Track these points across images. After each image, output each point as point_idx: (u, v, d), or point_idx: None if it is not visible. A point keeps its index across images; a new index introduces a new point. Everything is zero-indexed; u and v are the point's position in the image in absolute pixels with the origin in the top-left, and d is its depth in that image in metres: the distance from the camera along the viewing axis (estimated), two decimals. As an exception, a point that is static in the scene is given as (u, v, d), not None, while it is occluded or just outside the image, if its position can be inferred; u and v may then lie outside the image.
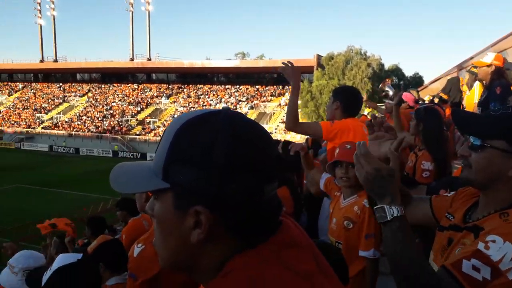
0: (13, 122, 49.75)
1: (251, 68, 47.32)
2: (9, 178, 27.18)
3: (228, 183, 0.59)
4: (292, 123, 2.67)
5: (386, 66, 40.46)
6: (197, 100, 48.64)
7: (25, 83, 61.22)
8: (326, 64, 38.32)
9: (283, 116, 29.88)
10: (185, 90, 51.41)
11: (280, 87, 45.94)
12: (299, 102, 37.90)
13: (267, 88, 47.54)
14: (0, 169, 30.64)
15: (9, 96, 57.89)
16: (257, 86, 48.34)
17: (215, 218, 0.59)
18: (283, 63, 2.65)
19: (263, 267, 0.59)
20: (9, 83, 61.96)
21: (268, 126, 40.97)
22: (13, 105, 54.67)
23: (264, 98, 46.44)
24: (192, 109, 46.18)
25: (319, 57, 40.47)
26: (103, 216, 5.60)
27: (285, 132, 37.53)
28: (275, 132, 38.96)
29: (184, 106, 47.24)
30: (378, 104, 7.63)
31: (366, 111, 9.34)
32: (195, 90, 50.73)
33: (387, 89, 4.71)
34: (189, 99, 49.00)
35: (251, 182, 0.60)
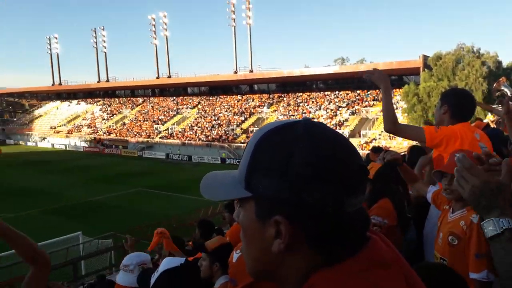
0: (135, 133, 56.01)
1: (351, 73, 46.64)
2: (133, 182, 30.79)
3: (307, 194, 0.59)
4: (390, 124, 2.48)
5: (505, 64, 36.44)
6: (296, 108, 49.40)
7: (145, 98, 68.68)
8: (434, 65, 35.96)
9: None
10: (285, 99, 52.60)
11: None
12: (405, 106, 36.26)
13: (369, 92, 46.17)
14: (126, 174, 34.95)
15: (131, 109, 65.44)
16: (358, 91, 47.31)
17: (295, 229, 0.60)
18: (367, 71, 2.65)
19: (347, 284, 0.58)
20: (131, 98, 70.14)
21: (371, 132, 39.82)
22: (135, 118, 61.60)
23: (366, 103, 45.21)
24: (292, 117, 47.01)
25: (425, 57, 38.16)
26: (212, 220, 5.96)
27: (390, 138, 36.13)
28: (379, 138, 37.71)
29: (284, 115, 48.36)
30: (494, 106, 6.91)
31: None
32: (295, 98, 51.57)
33: (503, 88, 4.01)
34: (289, 107, 50.00)
35: (331, 193, 0.59)
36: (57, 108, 77.29)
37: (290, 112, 48.69)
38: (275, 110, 50.65)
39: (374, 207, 2.88)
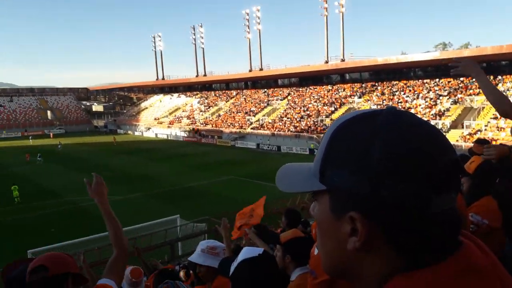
0: (229, 124, 58.37)
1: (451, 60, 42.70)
2: (227, 171, 32.26)
3: (387, 190, 0.54)
4: (505, 105, 2.20)
5: None
6: (391, 97, 46.96)
7: (238, 90, 71.11)
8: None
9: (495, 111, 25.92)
10: (378, 87, 50.32)
11: (491, 77, 39.55)
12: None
13: (473, 79, 41.91)
14: (220, 163, 36.75)
15: (226, 102, 68.27)
16: (461, 79, 43.31)
17: (372, 227, 0.56)
18: (454, 59, 2.45)
19: None
20: (226, 91, 73.15)
21: (476, 123, 36.28)
22: (229, 110, 64.16)
23: (471, 91, 41.20)
24: (386, 106, 44.89)
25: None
26: (299, 210, 5.92)
27: (498, 130, 32.61)
28: (485, 130, 34.22)
29: (377, 104, 46.31)
30: None
31: None
32: (389, 87, 49.04)
33: None
34: (383, 97, 47.75)
35: (414, 190, 0.53)
36: (160, 101, 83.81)
37: (384, 101, 46.50)
38: (367, 100, 48.79)
39: (474, 205, 2.63)
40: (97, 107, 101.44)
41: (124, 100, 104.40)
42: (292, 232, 2.52)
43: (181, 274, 5.80)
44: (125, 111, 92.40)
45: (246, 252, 1.82)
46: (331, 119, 47.84)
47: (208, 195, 24.45)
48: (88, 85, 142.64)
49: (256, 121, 55.92)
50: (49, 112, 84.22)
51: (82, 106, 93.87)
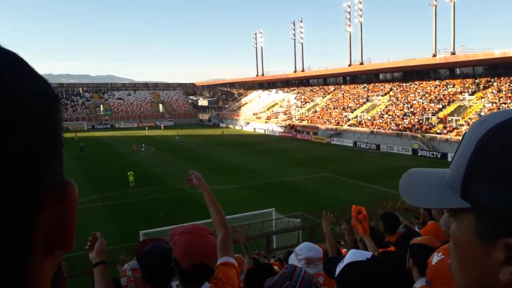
0: (325, 120, 57.91)
1: None
2: (321, 167, 32.26)
3: None
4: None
5: None
6: (510, 94, 42.09)
7: (336, 86, 70.00)
8: None
9: None
10: (494, 84, 45.39)
11: None
12: None
13: None
14: (315, 159, 36.83)
15: (323, 97, 67.72)
16: None
17: None
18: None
19: None
20: (323, 86, 72.50)
21: None
22: (326, 105, 63.54)
23: None
24: (503, 106, 40.48)
25: None
26: (398, 214, 5.55)
27: None
28: None
29: (493, 102, 41.92)
30: None
31: None
32: (508, 83, 43.96)
33: None
34: (499, 94, 42.99)
35: None
36: (259, 97, 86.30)
37: (501, 99, 41.89)
38: (481, 97, 44.38)
39: None
40: (202, 102, 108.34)
41: (226, 95, 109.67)
42: (424, 238, 2.49)
43: (275, 267, 6.09)
44: (227, 106, 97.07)
45: (353, 255, 1.74)
46: (438, 118, 44.64)
47: (302, 191, 24.81)
48: (195, 81, 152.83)
49: (354, 117, 54.57)
50: (160, 105, 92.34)
51: (190, 101, 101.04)
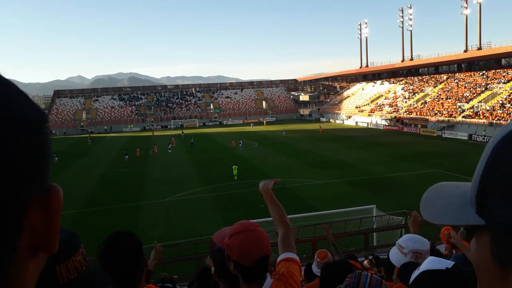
0: (436, 112, 53.64)
1: None
2: (431, 163, 30.01)
3: None
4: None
5: None
6: None
7: (449, 74, 64.22)
8: None
9: None
10: None
11: None
12: None
13: None
14: (423, 154, 34.39)
15: (434, 87, 62.71)
16: None
17: None
18: None
19: None
20: (435, 76, 67.05)
21: None
22: (437, 96, 58.75)
23: None
24: None
25: None
26: None
27: None
28: None
29: None
30: None
31: None
32: None
33: None
34: None
35: None
36: (363, 89, 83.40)
37: None
38: None
39: None
40: (303, 97, 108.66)
41: (328, 89, 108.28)
42: None
43: (365, 262, 5.96)
44: (328, 100, 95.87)
45: (430, 263, 1.60)
46: None
47: (408, 188, 23.48)
48: (297, 77, 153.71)
49: (470, 108, 49.56)
50: (264, 102, 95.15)
51: (291, 96, 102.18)
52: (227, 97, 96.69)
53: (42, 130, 0.40)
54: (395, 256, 2.62)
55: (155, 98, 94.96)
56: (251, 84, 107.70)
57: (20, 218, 0.38)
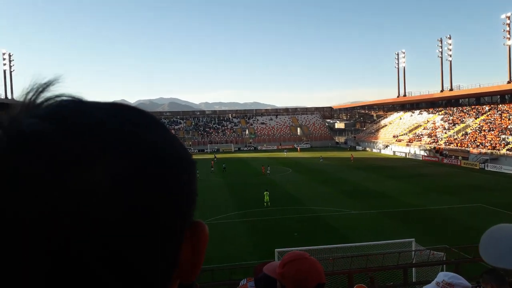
0: (478, 144, 51.62)
1: None
2: (472, 197, 28.65)
3: None
4: None
5: None
6: None
7: (491, 105, 62.03)
8: None
9: None
10: None
11: None
12: None
13: None
14: (465, 187, 32.90)
15: (475, 118, 60.61)
16: None
17: None
18: None
19: None
20: (476, 107, 64.95)
21: None
22: (479, 127, 56.67)
23: None
24: None
25: None
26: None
27: None
28: None
29: None
30: None
31: None
32: None
33: None
34: None
35: None
36: (400, 118, 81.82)
37: None
38: None
39: None
40: (339, 125, 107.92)
41: (364, 117, 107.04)
42: None
43: None
44: (364, 128, 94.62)
45: None
46: None
47: (448, 222, 22.45)
48: (333, 104, 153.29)
49: (516, 141, 47.34)
50: (298, 129, 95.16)
51: (326, 124, 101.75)
52: (262, 123, 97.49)
53: (195, 170, 0.43)
54: None
55: (193, 123, 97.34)
56: (286, 110, 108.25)
57: (179, 249, 0.40)
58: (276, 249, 14.87)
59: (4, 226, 0.31)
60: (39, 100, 0.37)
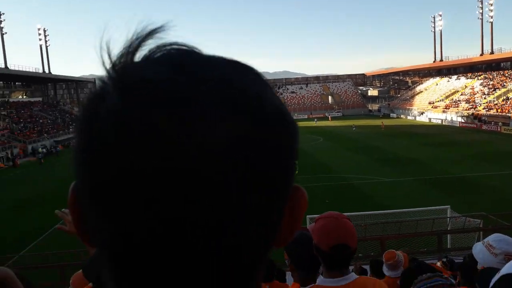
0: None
1: None
2: (513, 164, 27.66)
3: None
4: None
5: None
6: None
7: (538, 68, 58.49)
8: None
9: None
10: None
11: None
12: None
13: None
14: (505, 153, 31.61)
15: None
16: None
17: None
18: None
19: None
20: (521, 69, 61.44)
21: None
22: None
23: None
24: None
25: None
26: None
27: None
28: None
29: None
30: None
31: None
32: None
33: None
34: None
35: None
36: (437, 84, 78.78)
37: None
38: None
39: None
40: (372, 92, 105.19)
41: (398, 84, 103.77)
42: None
43: (438, 263, 5.67)
44: (399, 95, 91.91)
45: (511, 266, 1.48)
46: None
47: (486, 189, 21.80)
48: (365, 71, 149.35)
49: None
50: (330, 97, 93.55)
51: (359, 91, 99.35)
52: (292, 92, 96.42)
53: (297, 131, 0.41)
54: (482, 254, 2.40)
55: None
56: (317, 79, 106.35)
57: (283, 213, 0.38)
58: (308, 215, 15.01)
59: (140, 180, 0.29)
60: (150, 46, 0.34)
